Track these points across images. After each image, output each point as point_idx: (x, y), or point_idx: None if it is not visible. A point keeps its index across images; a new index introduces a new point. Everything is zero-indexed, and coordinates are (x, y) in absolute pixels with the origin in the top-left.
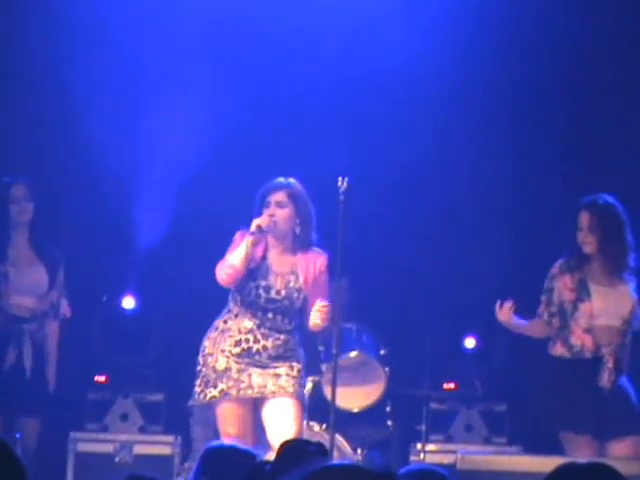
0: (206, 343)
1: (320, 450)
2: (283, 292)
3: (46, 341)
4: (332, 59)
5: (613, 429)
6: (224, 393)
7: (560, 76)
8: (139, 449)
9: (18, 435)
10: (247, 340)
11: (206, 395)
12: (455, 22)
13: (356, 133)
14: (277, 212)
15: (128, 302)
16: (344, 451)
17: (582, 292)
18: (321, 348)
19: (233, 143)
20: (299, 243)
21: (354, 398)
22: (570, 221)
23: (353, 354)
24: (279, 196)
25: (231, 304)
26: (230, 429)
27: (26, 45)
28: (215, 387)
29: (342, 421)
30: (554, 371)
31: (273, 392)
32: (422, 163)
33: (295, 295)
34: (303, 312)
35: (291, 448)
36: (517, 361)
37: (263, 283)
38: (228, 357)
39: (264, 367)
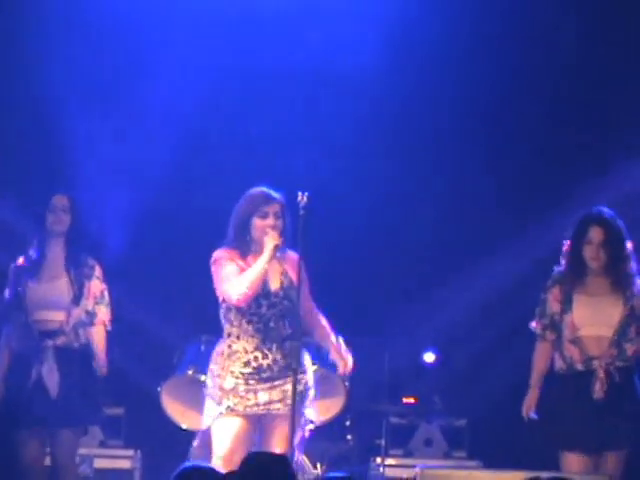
0: (212, 367)
1: (283, 463)
2: (281, 293)
3: (88, 351)
4: (294, 68)
5: (609, 442)
6: (230, 409)
7: (536, 73)
8: (99, 463)
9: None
10: (256, 358)
11: (214, 414)
12: (422, 23)
13: (316, 145)
14: (277, 223)
15: None
16: (304, 466)
17: (566, 304)
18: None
19: (193, 158)
20: (281, 248)
21: (313, 412)
22: (549, 223)
23: (313, 368)
24: (276, 207)
25: (227, 328)
26: (222, 447)
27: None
28: (220, 404)
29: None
30: (552, 387)
31: (278, 409)
32: (382, 176)
33: (293, 293)
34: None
35: (253, 460)
36: (476, 376)
37: (261, 292)
38: (237, 377)
39: (274, 380)
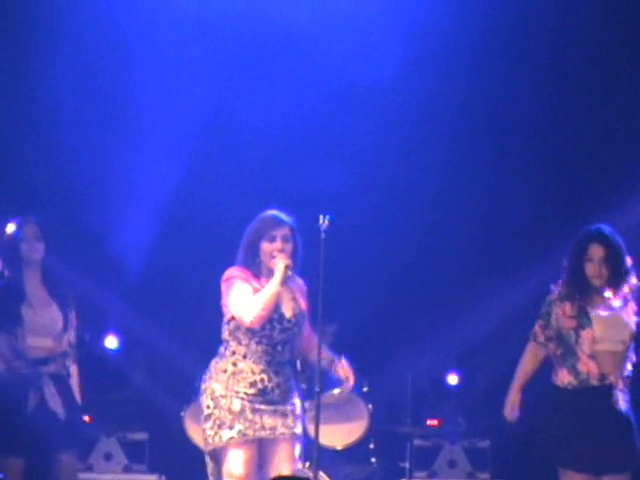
0: (214, 386)
1: None
2: (293, 319)
3: (70, 381)
4: (314, 79)
5: (612, 463)
6: (242, 434)
7: (546, 84)
8: None
9: (1, 475)
10: (262, 380)
11: (222, 437)
12: (437, 38)
13: (337, 162)
14: (285, 246)
15: (111, 341)
16: None
17: (582, 319)
18: (304, 386)
19: (211, 176)
20: (291, 274)
21: (337, 436)
22: (561, 247)
23: (336, 391)
24: (285, 230)
25: (233, 345)
26: (238, 471)
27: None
28: (232, 428)
29: (325, 459)
30: (560, 401)
31: (283, 433)
32: (404, 199)
33: (302, 320)
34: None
35: None
36: (500, 397)
37: (275, 316)
38: (243, 399)
39: (275, 404)
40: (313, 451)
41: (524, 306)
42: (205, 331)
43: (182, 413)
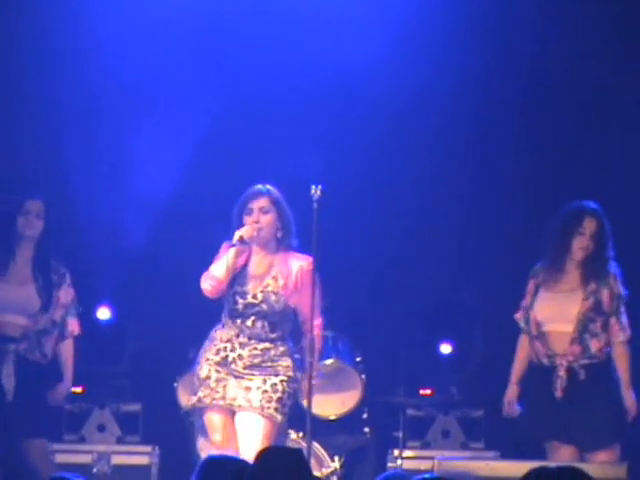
0: (200, 352)
1: (298, 457)
2: (260, 296)
3: (47, 362)
4: (305, 64)
5: (584, 442)
6: (199, 400)
7: (537, 78)
8: (117, 460)
9: None
10: (225, 348)
11: (188, 401)
12: (431, 24)
13: (329, 139)
14: (261, 218)
15: (103, 313)
16: (322, 459)
17: (533, 299)
18: (297, 356)
19: (207, 152)
20: (281, 247)
21: (331, 406)
22: (541, 225)
23: (329, 362)
24: (262, 202)
25: (222, 315)
26: (216, 436)
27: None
28: (195, 394)
29: (319, 429)
30: (530, 377)
31: (240, 406)
32: (398, 169)
33: (273, 298)
34: (291, 320)
35: (271, 454)
36: (493, 366)
37: (239, 289)
38: (210, 365)
39: (240, 377)
40: (307, 421)
41: (519, 276)
42: (199, 302)
43: (175, 384)
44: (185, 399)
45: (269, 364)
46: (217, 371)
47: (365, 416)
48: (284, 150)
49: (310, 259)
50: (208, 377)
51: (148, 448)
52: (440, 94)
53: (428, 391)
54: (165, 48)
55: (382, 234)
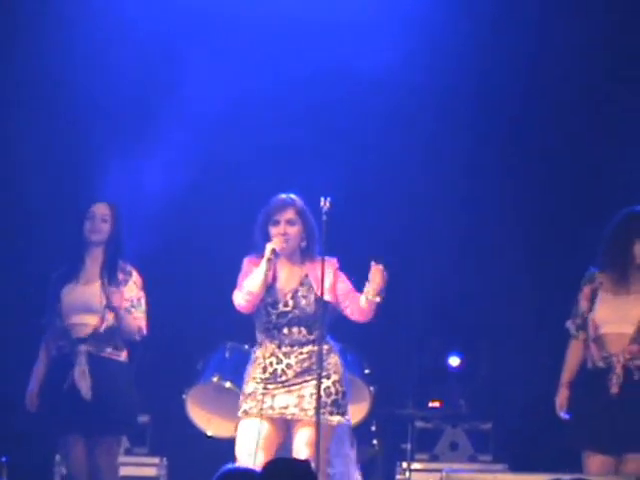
0: (244, 377)
1: (305, 468)
2: (290, 302)
3: (122, 359)
4: (315, 71)
5: (629, 443)
6: (245, 412)
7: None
8: (125, 471)
9: (4, 459)
10: (271, 364)
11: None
12: (442, 27)
13: (339, 151)
14: (288, 230)
15: None
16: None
17: (591, 303)
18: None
19: (219, 161)
20: (306, 255)
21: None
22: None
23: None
24: (288, 214)
25: (256, 334)
26: (239, 449)
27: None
28: (240, 408)
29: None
30: (579, 382)
31: (293, 414)
32: (409, 178)
33: (304, 303)
34: (327, 318)
35: (279, 465)
36: (501, 379)
37: (270, 300)
38: (257, 382)
39: (291, 386)
40: (315, 432)
41: (530, 290)
42: (208, 314)
43: (184, 396)
44: (199, 412)
45: (318, 365)
46: (265, 388)
47: (373, 428)
48: (293, 160)
49: (334, 259)
50: (254, 392)
51: (156, 459)
52: (457, 97)
53: (437, 403)
54: (182, 44)
55: (390, 246)
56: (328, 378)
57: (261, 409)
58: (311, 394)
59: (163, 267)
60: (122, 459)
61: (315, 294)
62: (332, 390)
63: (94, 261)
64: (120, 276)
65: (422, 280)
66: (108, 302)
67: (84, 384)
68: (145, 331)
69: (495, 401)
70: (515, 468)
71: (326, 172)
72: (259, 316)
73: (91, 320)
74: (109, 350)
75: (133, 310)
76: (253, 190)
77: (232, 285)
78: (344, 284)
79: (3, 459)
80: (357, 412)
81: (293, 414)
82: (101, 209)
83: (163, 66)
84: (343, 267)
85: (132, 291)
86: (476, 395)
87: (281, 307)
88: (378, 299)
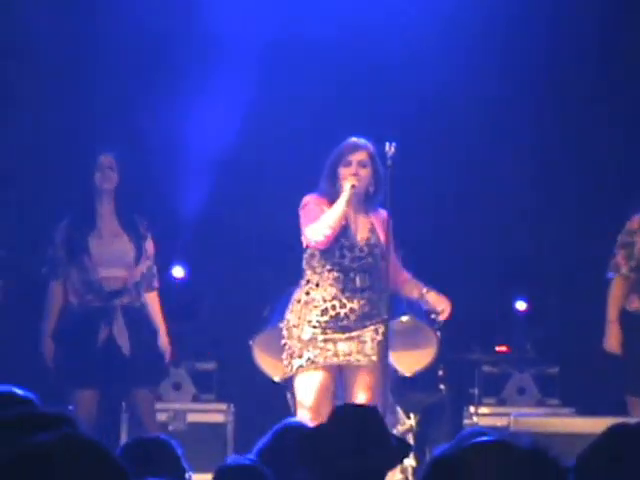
0: (289, 316)
1: (374, 414)
2: (366, 249)
3: (146, 311)
4: (374, 24)
5: None
6: (311, 362)
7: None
8: (193, 417)
9: (70, 407)
10: (333, 307)
11: (292, 366)
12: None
13: (401, 98)
14: (360, 171)
15: (177, 271)
16: (397, 416)
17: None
18: None
19: (277, 110)
20: (370, 202)
21: (406, 362)
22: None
23: (404, 319)
24: (361, 155)
25: (308, 274)
26: (308, 401)
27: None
28: (301, 357)
29: (395, 386)
30: (626, 326)
31: (358, 360)
32: (470, 125)
33: (377, 252)
34: (384, 271)
35: (346, 412)
36: (569, 323)
37: (346, 243)
38: (315, 327)
39: (351, 331)
40: (382, 378)
41: (598, 233)
42: (276, 260)
43: (250, 342)
44: (265, 358)
45: (376, 311)
46: (324, 332)
47: (440, 373)
48: (356, 107)
49: (388, 215)
50: (314, 338)
51: (223, 406)
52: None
53: (504, 348)
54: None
55: (457, 192)
56: (384, 322)
57: (326, 357)
58: (372, 339)
59: (229, 215)
60: (189, 406)
61: (380, 245)
62: (388, 334)
63: (108, 212)
64: (141, 230)
65: (490, 226)
66: (145, 254)
67: (123, 339)
68: (157, 285)
69: (562, 345)
70: (582, 412)
71: (390, 120)
72: (329, 256)
73: (121, 273)
74: (139, 302)
75: (154, 268)
76: (317, 137)
77: (294, 231)
78: (391, 245)
79: (70, 408)
80: (424, 357)
81: (358, 360)
82: (108, 159)
83: (208, 12)
84: (404, 214)
85: (151, 247)
86: (543, 339)
87: (357, 252)
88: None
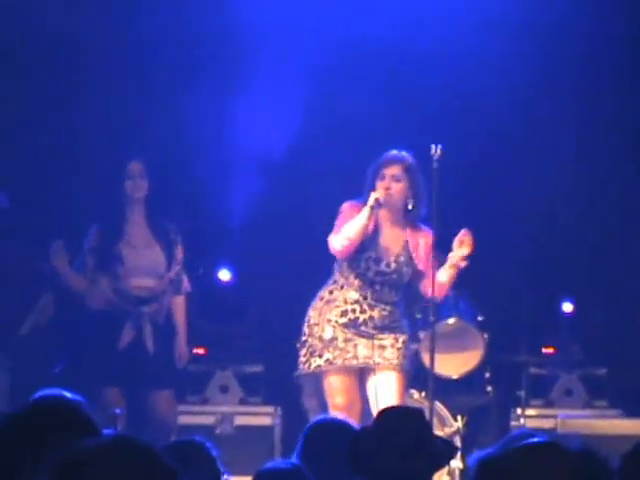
0: (311, 313)
1: (419, 416)
2: (393, 265)
3: (172, 318)
4: (423, 27)
5: None
6: (329, 362)
7: None
8: (240, 420)
9: (118, 411)
10: (354, 310)
11: (311, 365)
12: None
13: (446, 101)
14: (392, 185)
15: (224, 274)
16: (444, 418)
17: None
18: (418, 316)
19: (324, 115)
20: (409, 217)
21: (453, 365)
22: None
23: (451, 321)
24: (394, 169)
25: (337, 275)
26: (338, 399)
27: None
28: (321, 356)
29: (441, 388)
30: None
31: (378, 363)
32: (513, 129)
33: (404, 270)
34: (411, 284)
35: (392, 414)
36: (615, 324)
37: (373, 255)
38: (335, 327)
39: (369, 337)
40: (429, 381)
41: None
42: (322, 263)
43: (297, 345)
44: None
45: (396, 324)
46: (343, 332)
47: (487, 375)
48: (402, 111)
49: (431, 232)
50: (335, 338)
51: (270, 409)
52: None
53: (550, 349)
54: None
55: (503, 194)
56: (403, 333)
57: (345, 359)
58: (391, 345)
59: (275, 217)
60: (237, 409)
61: (411, 263)
62: (407, 344)
63: (139, 220)
64: (171, 236)
65: (536, 225)
66: (175, 260)
67: (150, 344)
68: (189, 289)
69: (609, 347)
70: (630, 414)
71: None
72: (355, 265)
73: (152, 283)
74: (164, 310)
75: (183, 275)
76: (366, 142)
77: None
78: (429, 262)
79: (118, 411)
80: (471, 359)
81: (378, 363)
82: (137, 166)
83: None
84: (450, 215)
85: (181, 253)
86: (590, 341)
87: (383, 266)
88: (463, 264)
